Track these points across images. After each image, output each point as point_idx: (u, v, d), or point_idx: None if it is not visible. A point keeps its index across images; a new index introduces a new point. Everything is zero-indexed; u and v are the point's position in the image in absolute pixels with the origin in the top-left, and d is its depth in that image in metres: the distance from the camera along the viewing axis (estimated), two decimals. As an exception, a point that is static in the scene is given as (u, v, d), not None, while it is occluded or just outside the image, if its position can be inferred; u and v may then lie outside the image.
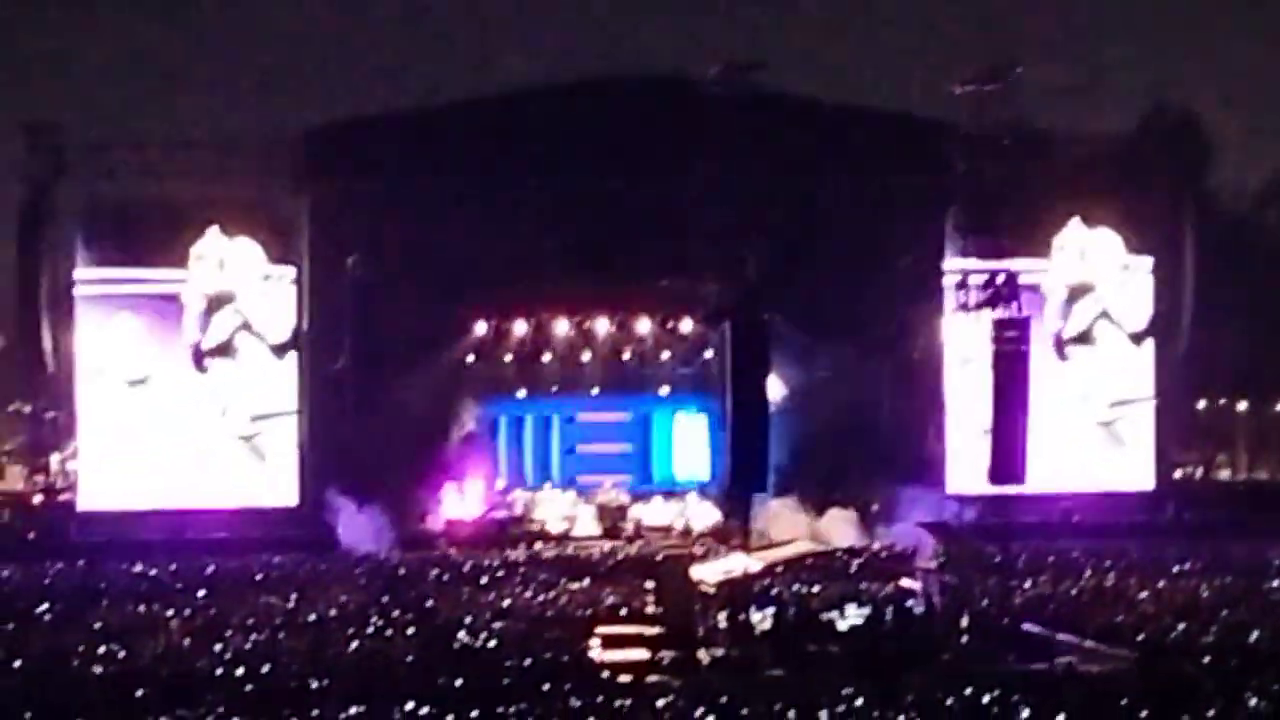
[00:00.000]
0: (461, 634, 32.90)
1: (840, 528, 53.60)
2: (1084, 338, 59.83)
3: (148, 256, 56.16)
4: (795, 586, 39.15)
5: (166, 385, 56.24)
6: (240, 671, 29.25)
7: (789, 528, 51.81)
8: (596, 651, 31.87)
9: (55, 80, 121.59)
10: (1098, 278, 59.75)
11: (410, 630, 33.72)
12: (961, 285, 57.69)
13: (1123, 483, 59.60)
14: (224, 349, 56.40)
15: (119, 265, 56.11)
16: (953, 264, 57.45)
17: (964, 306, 57.82)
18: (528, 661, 30.06)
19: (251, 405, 56.58)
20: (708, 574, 36.86)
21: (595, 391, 59.70)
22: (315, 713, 24.86)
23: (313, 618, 35.38)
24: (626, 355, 59.50)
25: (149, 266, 56.06)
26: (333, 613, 35.92)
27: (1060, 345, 59.60)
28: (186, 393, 56.35)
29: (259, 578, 43.48)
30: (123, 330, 56.05)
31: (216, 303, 56.30)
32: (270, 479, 56.31)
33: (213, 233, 55.92)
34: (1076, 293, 59.70)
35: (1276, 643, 30.53)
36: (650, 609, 35.91)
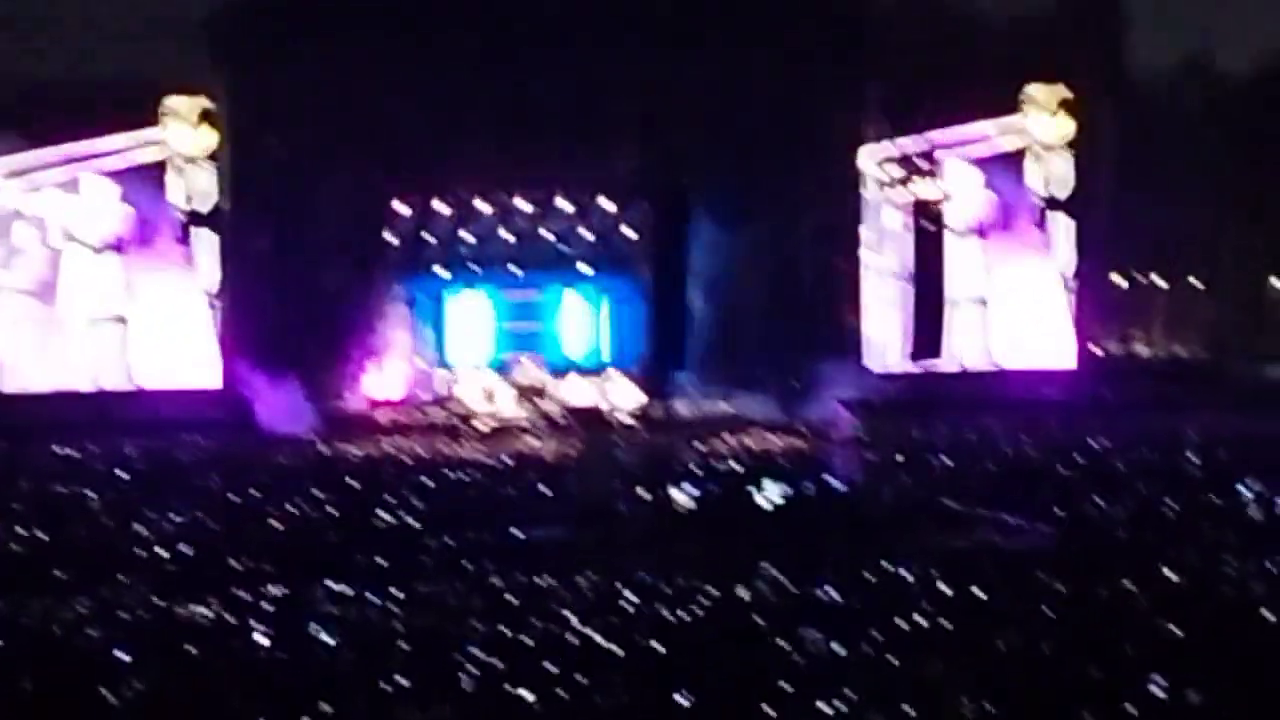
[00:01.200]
0: (381, 513, 32.87)
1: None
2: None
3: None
4: (714, 462, 39.27)
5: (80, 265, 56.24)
6: (161, 551, 29.20)
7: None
8: (518, 531, 31.86)
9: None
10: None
11: (330, 509, 33.68)
12: (883, 162, 58.13)
13: (1043, 360, 59.90)
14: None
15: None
16: (875, 144, 57.79)
17: (884, 184, 58.22)
18: (448, 540, 30.08)
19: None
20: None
21: (515, 270, 59.65)
22: (237, 591, 24.80)
23: (233, 497, 35.29)
24: (546, 233, 59.43)
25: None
26: (253, 491, 35.82)
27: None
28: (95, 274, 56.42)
29: (182, 459, 43.38)
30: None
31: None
32: (192, 360, 56.24)
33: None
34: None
35: (1189, 515, 30.74)
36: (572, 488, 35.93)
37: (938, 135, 57.64)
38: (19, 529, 31.28)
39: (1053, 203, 59.79)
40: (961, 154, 58.79)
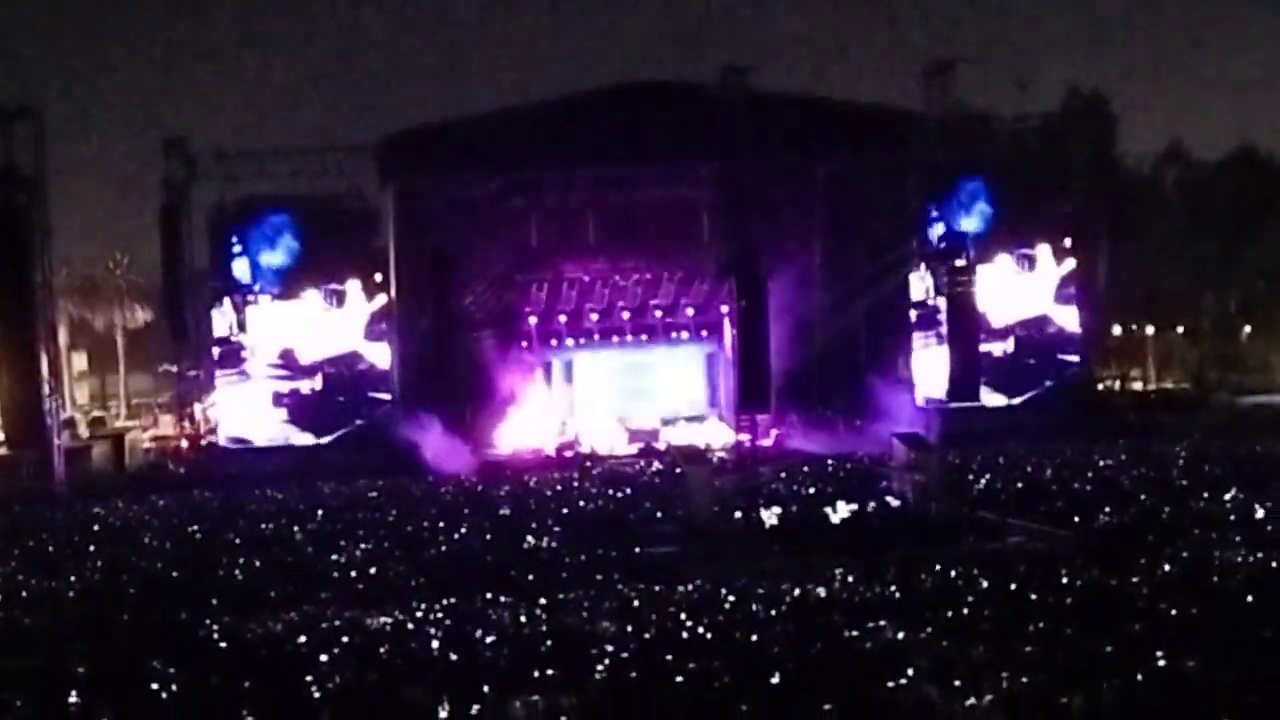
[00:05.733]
0: (529, 537, 32.91)
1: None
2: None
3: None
4: (795, 487, 39.16)
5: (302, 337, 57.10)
6: (353, 574, 29.30)
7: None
8: (637, 548, 31.83)
9: (179, 98, 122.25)
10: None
11: (488, 536, 33.73)
12: (923, 241, 58.25)
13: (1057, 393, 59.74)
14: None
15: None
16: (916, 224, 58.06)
17: (925, 258, 58.27)
18: (583, 558, 30.09)
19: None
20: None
21: (629, 339, 59.97)
22: (415, 604, 24.86)
23: (410, 528, 35.39)
24: (654, 310, 59.83)
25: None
26: (425, 524, 35.92)
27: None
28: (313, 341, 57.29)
29: (371, 496, 43.52)
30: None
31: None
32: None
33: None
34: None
35: (1181, 519, 30.48)
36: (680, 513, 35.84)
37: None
38: (239, 558, 31.49)
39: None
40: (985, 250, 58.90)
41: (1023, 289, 59.49)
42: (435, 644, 21.08)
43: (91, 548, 34.50)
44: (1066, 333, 59.82)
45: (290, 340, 57.30)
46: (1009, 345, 59.60)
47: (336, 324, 57.44)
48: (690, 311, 60.14)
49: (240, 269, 57.07)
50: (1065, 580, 23.11)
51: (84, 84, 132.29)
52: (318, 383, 57.44)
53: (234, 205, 57.21)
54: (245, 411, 56.92)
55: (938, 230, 58.00)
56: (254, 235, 57.14)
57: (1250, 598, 20.63)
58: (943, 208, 58.23)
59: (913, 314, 58.71)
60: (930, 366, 58.20)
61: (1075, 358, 60.28)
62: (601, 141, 55.38)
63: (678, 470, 40.64)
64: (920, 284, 58.77)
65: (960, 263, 57.14)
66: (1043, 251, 59.42)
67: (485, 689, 17.84)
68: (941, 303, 57.95)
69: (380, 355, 57.39)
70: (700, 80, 56.82)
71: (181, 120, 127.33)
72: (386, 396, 56.84)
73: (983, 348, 58.70)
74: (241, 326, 57.07)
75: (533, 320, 59.25)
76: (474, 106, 68.71)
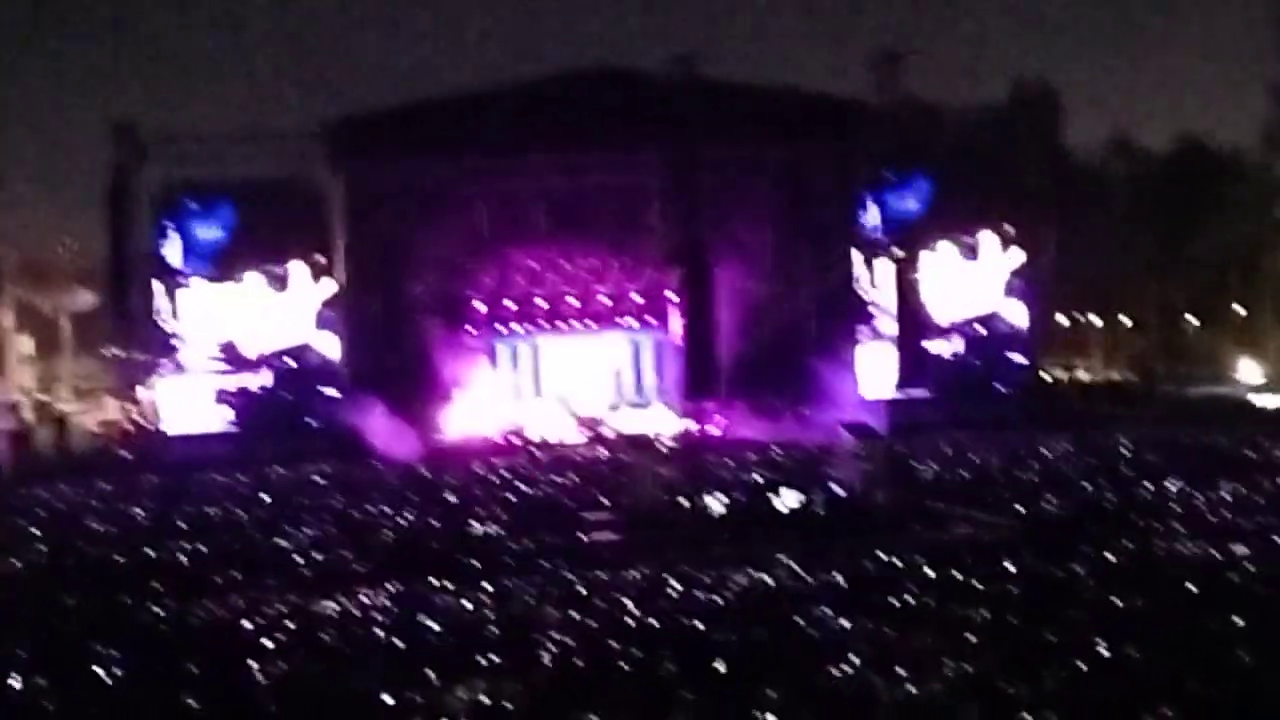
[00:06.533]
0: (475, 523, 32.91)
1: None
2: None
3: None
4: (742, 475, 39.20)
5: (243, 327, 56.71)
6: (298, 559, 29.25)
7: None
8: (583, 534, 31.84)
9: (129, 80, 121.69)
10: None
11: (434, 522, 33.71)
12: (870, 230, 58.45)
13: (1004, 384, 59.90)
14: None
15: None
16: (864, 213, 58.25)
17: (871, 246, 58.47)
18: (529, 544, 30.10)
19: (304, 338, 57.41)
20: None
21: (576, 325, 59.87)
22: (360, 590, 24.85)
23: (356, 514, 35.33)
24: (601, 297, 59.67)
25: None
26: (371, 509, 35.86)
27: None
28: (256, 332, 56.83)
29: (316, 481, 43.39)
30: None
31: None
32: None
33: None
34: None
35: (1125, 509, 30.66)
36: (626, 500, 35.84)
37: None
38: (184, 542, 31.40)
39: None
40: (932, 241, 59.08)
41: (969, 282, 59.64)
42: (380, 630, 21.08)
43: (35, 531, 34.36)
44: (1015, 329, 60.03)
45: (231, 331, 56.82)
46: (957, 345, 59.75)
47: (281, 312, 57.12)
48: (638, 298, 60.01)
49: (171, 252, 56.67)
50: (1010, 569, 23.23)
51: (30, 67, 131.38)
52: (266, 378, 57.08)
53: (171, 189, 56.86)
54: (186, 408, 56.32)
55: (877, 218, 58.28)
56: (186, 217, 56.82)
57: (1194, 588, 20.75)
58: (887, 197, 58.48)
59: (859, 303, 58.77)
60: (872, 363, 58.34)
61: (1024, 359, 60.43)
62: (551, 128, 55.33)
63: (624, 458, 40.66)
64: (865, 273, 58.97)
65: (901, 252, 57.43)
66: (987, 240, 59.58)
67: (431, 675, 17.83)
68: (882, 295, 58.15)
69: (332, 346, 57.22)
70: (649, 68, 56.87)
71: (129, 104, 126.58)
72: (338, 395, 56.48)
73: (928, 345, 58.94)
74: (174, 314, 56.64)
75: (481, 306, 59.08)
76: (424, 92, 68.19)
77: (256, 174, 56.82)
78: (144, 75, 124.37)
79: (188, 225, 56.80)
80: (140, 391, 59.74)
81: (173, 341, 56.36)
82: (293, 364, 57.19)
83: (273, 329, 57.10)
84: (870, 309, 59.00)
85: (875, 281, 59.06)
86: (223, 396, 56.60)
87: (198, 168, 56.74)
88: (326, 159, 56.91)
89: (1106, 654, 17.07)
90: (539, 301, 59.62)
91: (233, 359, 56.75)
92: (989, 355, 59.76)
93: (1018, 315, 60.06)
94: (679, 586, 23.64)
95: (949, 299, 59.40)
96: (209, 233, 56.73)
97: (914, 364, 58.07)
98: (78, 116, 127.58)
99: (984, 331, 59.94)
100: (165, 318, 56.46)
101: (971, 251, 59.71)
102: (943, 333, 59.53)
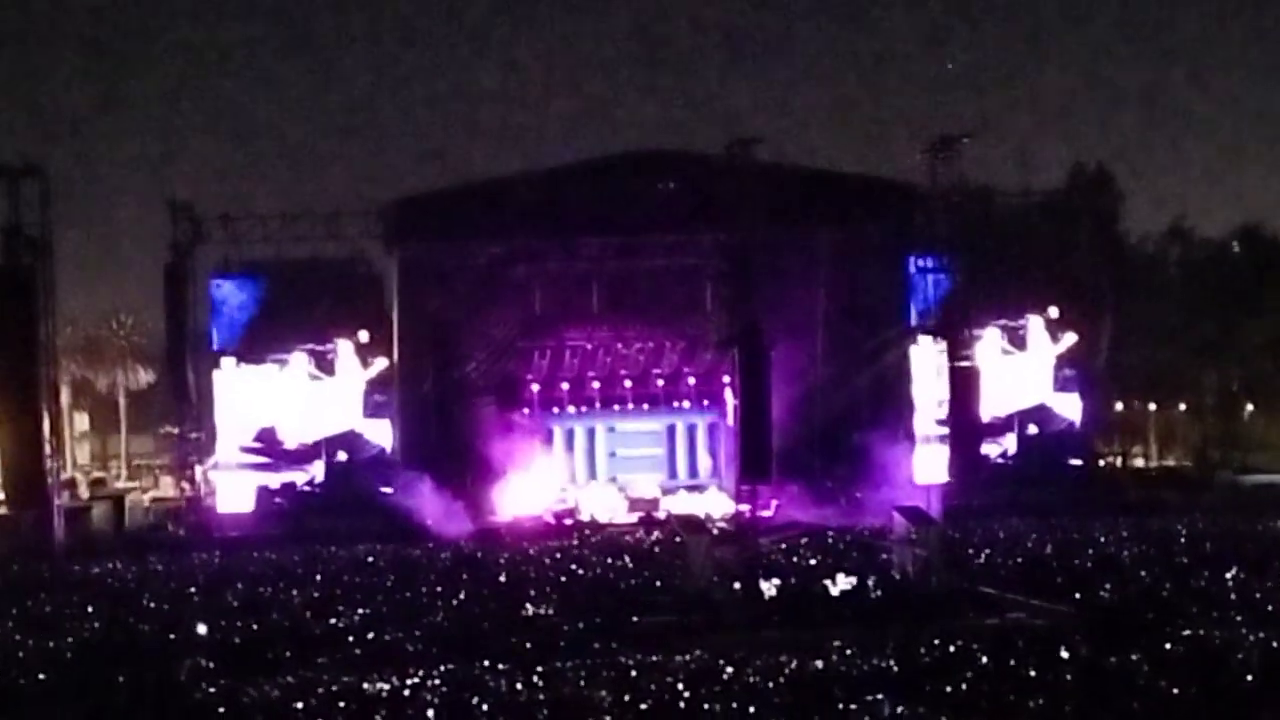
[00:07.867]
0: (527, 605, 32.83)
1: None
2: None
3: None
4: (795, 558, 39.06)
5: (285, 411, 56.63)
6: (350, 638, 29.22)
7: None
8: (635, 616, 31.72)
9: (188, 159, 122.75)
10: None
11: (486, 603, 33.64)
12: (924, 314, 58.24)
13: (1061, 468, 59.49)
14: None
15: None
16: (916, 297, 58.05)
17: (926, 331, 58.25)
18: (580, 626, 30.01)
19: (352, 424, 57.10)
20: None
21: (630, 407, 59.92)
22: (412, 670, 24.78)
23: (408, 594, 35.29)
24: (656, 379, 59.79)
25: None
26: (423, 589, 35.82)
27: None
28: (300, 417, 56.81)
29: (369, 561, 43.37)
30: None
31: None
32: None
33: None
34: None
35: (1182, 597, 30.40)
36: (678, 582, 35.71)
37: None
38: (237, 621, 31.42)
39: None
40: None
41: (1016, 372, 59.36)
42: (432, 711, 21.01)
43: (89, 608, 34.42)
44: (1071, 428, 59.69)
45: (269, 416, 56.79)
46: (1009, 443, 59.29)
47: (328, 396, 57.07)
48: (692, 381, 60.14)
49: (219, 331, 57.14)
50: (1065, 657, 23.02)
51: (90, 144, 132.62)
52: (317, 471, 56.95)
53: (224, 267, 57.10)
54: (239, 488, 56.25)
55: (929, 301, 58.19)
56: (233, 296, 57.09)
57: (1250, 677, 20.55)
58: (938, 280, 58.38)
59: (914, 389, 58.45)
60: (931, 439, 57.99)
61: (1078, 449, 59.97)
62: (606, 210, 55.62)
63: (677, 539, 40.55)
64: (921, 357, 58.76)
65: (960, 336, 57.26)
66: (1034, 326, 59.35)
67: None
68: (933, 382, 57.71)
69: (382, 433, 57.11)
70: (705, 150, 57.09)
71: (187, 182, 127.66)
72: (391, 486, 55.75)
73: (982, 448, 58.46)
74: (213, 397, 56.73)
75: (535, 387, 59.26)
76: (481, 173, 68.64)
77: (310, 253, 57.15)
78: (203, 155, 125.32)
79: (234, 304, 57.03)
80: (195, 469, 59.91)
81: (216, 428, 56.47)
82: (343, 456, 56.90)
83: (317, 414, 56.99)
84: (922, 394, 58.76)
85: (926, 367, 58.86)
86: (268, 498, 56.34)
87: (252, 246, 57.15)
88: (382, 238, 57.24)
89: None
90: (594, 383, 59.75)
91: (271, 449, 56.57)
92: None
93: (1069, 406, 59.72)
94: (731, 670, 23.49)
95: (998, 396, 58.90)
96: (256, 312, 56.89)
97: (968, 449, 57.76)
98: (137, 195, 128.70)
99: (1034, 425, 59.53)
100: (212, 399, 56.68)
101: (1016, 339, 59.45)
102: (995, 426, 59.07)
